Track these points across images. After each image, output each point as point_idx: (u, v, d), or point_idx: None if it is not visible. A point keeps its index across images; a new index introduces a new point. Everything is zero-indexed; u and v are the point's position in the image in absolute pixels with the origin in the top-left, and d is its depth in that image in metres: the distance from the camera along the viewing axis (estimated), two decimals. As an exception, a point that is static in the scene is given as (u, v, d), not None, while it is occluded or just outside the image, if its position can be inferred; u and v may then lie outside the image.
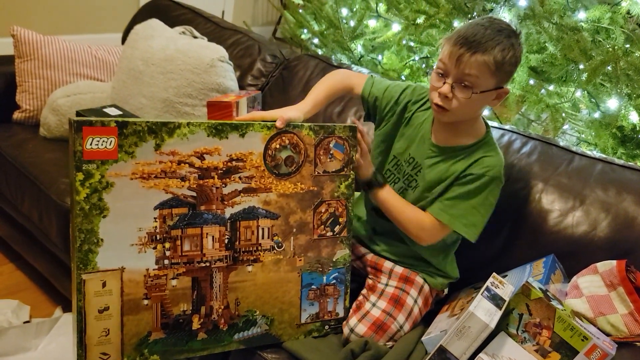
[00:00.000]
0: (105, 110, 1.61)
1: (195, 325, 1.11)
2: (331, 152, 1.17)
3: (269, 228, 1.13)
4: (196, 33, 1.91)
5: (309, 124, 1.15)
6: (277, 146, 1.11)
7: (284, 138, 1.12)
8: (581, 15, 1.90)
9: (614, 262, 1.17)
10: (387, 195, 1.27)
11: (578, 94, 1.92)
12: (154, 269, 1.05)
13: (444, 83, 1.16)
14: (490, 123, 1.62)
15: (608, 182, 1.38)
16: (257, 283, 1.14)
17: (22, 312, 1.76)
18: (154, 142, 1.00)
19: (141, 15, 2.21)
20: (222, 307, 1.12)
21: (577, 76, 1.83)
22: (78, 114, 1.55)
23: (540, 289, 1.12)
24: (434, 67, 1.21)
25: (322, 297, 1.22)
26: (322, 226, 1.19)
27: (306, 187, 1.16)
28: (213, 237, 1.09)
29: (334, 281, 1.23)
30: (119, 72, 1.87)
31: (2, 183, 1.80)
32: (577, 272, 1.25)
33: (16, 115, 1.92)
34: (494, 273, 1.18)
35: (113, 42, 2.30)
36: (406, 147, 1.32)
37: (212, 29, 2.13)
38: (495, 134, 1.55)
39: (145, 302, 1.05)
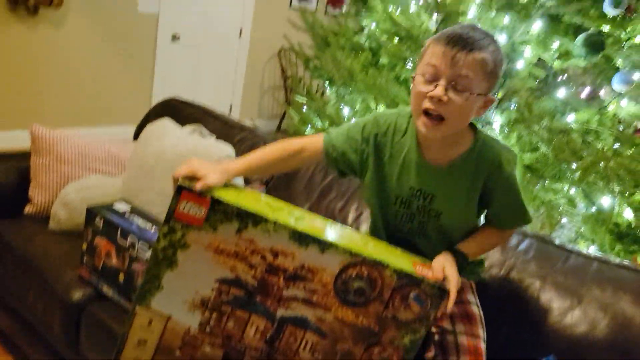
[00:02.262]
0: (115, 205, 1.67)
1: None
2: (409, 301, 1.10)
3: (313, 343, 1.13)
4: (205, 132, 2.01)
5: (397, 267, 1.09)
6: (353, 274, 1.09)
7: (363, 269, 1.08)
8: (570, 117, 2.00)
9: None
10: (473, 251, 1.24)
11: (572, 191, 1.98)
12: (195, 329, 1.12)
13: (436, 86, 1.06)
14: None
15: (604, 281, 1.41)
16: None
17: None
18: (237, 225, 1.07)
19: (154, 113, 2.33)
20: None
21: (570, 175, 1.90)
22: (88, 210, 1.61)
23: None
24: (417, 73, 1.12)
25: None
26: None
27: (367, 323, 1.12)
28: (257, 327, 1.12)
29: None
30: (130, 168, 1.95)
31: (9, 276, 1.83)
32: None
33: (27, 209, 1.98)
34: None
35: (126, 134, 2.40)
36: (404, 182, 1.22)
37: (220, 126, 2.24)
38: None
39: (177, 353, 1.14)
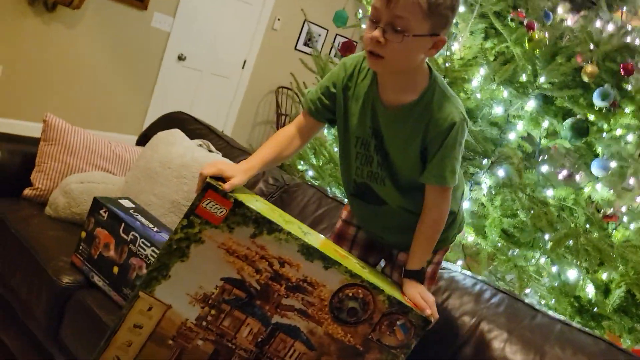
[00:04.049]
0: (120, 201, 1.74)
1: None
2: (394, 328, 1.19)
3: (300, 353, 1.20)
4: (212, 147, 2.11)
5: (390, 294, 1.18)
6: (350, 294, 1.17)
7: (359, 291, 1.17)
8: (549, 192, 2.17)
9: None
10: (422, 256, 1.32)
11: (542, 260, 2.13)
12: (192, 322, 1.18)
13: (376, 28, 1.12)
14: (465, 272, 1.80)
15: (566, 342, 1.52)
16: None
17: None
18: (253, 230, 1.14)
19: (162, 123, 2.42)
20: None
21: (543, 244, 2.05)
22: (95, 199, 1.67)
23: None
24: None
25: None
26: None
27: (354, 342, 1.20)
28: (251, 329, 1.19)
29: None
30: (135, 169, 2.03)
31: (-2, 253, 1.86)
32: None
33: (27, 192, 2.03)
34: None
35: (116, 140, 2.47)
36: (364, 122, 1.28)
37: (224, 145, 2.34)
38: (468, 282, 1.72)
39: (170, 342, 1.18)
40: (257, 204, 1.19)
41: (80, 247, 1.70)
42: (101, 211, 1.67)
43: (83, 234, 1.70)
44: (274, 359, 1.20)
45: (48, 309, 1.65)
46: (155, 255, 1.53)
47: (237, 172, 1.19)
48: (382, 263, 1.55)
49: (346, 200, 1.54)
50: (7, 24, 3.60)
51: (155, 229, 1.65)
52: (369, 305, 1.19)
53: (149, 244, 1.57)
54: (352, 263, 1.25)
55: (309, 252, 1.16)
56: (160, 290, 1.17)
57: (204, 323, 1.19)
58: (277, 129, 5.37)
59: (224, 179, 1.17)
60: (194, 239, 1.15)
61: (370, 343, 1.20)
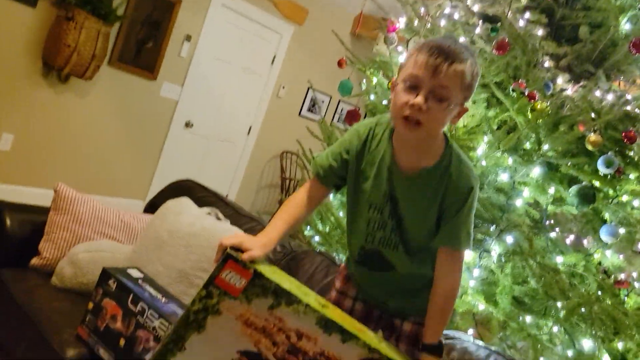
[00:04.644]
0: (128, 271, 1.73)
1: None
2: None
3: None
4: (220, 215, 2.12)
5: None
6: None
7: None
8: (559, 259, 2.15)
9: None
10: (438, 327, 1.28)
11: (555, 329, 2.08)
12: None
13: (417, 95, 1.13)
14: (477, 342, 1.76)
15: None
16: None
17: None
18: (271, 302, 1.13)
19: (170, 191, 2.45)
20: None
21: (556, 313, 2.02)
22: (104, 270, 1.67)
23: None
24: (399, 80, 1.18)
25: None
26: None
27: None
28: None
29: None
30: (143, 238, 2.03)
31: (3, 325, 1.83)
32: None
33: (34, 261, 2.02)
34: None
35: (122, 206, 2.48)
36: (378, 187, 1.28)
37: (231, 213, 2.35)
38: (481, 353, 1.68)
39: None
40: (275, 276, 1.19)
41: (87, 319, 1.68)
42: (110, 282, 1.66)
43: (90, 305, 1.68)
44: None
45: (51, 383, 1.61)
46: (164, 327, 1.51)
47: (256, 246, 1.20)
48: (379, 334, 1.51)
49: (341, 267, 1.54)
50: (21, 94, 3.71)
51: (163, 299, 1.64)
52: None
53: (157, 316, 1.55)
54: (370, 336, 1.23)
55: (327, 324, 1.14)
56: None
57: None
58: (282, 192, 5.41)
59: (242, 250, 1.17)
60: (211, 310, 1.14)
61: None
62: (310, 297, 1.20)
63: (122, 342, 1.60)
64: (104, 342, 1.63)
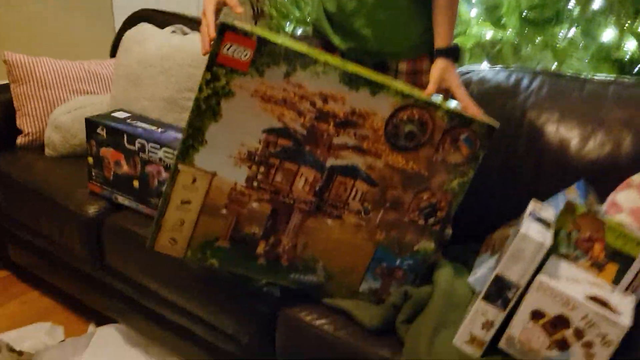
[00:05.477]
0: (114, 114, 1.60)
1: (259, 250, 1.13)
2: (458, 144, 1.09)
3: (363, 192, 1.11)
4: (187, 30, 1.91)
5: (448, 107, 1.07)
6: (404, 117, 1.05)
7: (414, 112, 1.05)
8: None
9: (649, 170, 1.18)
10: (450, 33, 1.24)
11: (572, 32, 1.93)
12: (242, 185, 1.07)
13: None
14: (494, 67, 1.63)
15: (624, 101, 1.39)
16: (330, 237, 1.13)
17: (56, 333, 1.73)
18: (285, 69, 0.99)
19: (128, 24, 2.20)
20: (290, 244, 1.13)
21: (569, 14, 1.85)
22: (88, 120, 1.54)
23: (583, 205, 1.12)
24: None
25: (388, 278, 1.19)
26: (417, 212, 1.14)
27: (417, 168, 1.10)
28: (306, 179, 1.09)
29: (406, 267, 1.19)
30: (117, 80, 1.86)
31: (16, 208, 1.78)
32: (610, 193, 1.25)
33: (19, 140, 1.90)
34: (533, 199, 1.18)
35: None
36: None
37: (198, 28, 2.12)
38: (501, 75, 1.56)
39: (224, 211, 1.09)
40: (281, 39, 1.03)
41: (93, 174, 1.60)
42: (98, 130, 1.54)
43: (90, 160, 1.59)
44: (337, 205, 1.11)
45: (85, 243, 1.59)
46: (170, 155, 1.42)
47: None
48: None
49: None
50: None
51: (159, 129, 1.53)
52: (427, 125, 1.07)
53: (158, 146, 1.45)
54: (398, 84, 1.11)
55: (352, 79, 1.01)
56: (200, 158, 1.05)
57: (255, 183, 1.08)
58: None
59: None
60: (223, 93, 1.00)
61: (434, 166, 1.10)
62: (324, 55, 1.06)
63: (135, 183, 1.53)
64: (119, 190, 1.57)
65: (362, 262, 1.17)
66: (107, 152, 1.54)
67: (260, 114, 1.02)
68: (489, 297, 1.02)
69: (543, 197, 1.39)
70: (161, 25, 2.18)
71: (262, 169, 1.07)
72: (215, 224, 1.10)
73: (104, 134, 1.53)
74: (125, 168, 1.53)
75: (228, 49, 0.97)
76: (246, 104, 1.01)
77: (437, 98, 1.20)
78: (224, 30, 0.96)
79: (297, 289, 1.19)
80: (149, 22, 2.21)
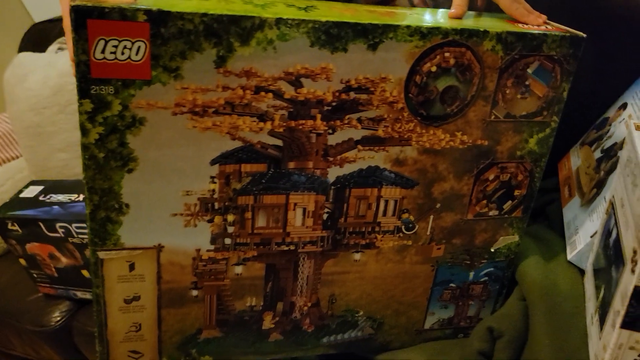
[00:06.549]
0: (21, 195, 1.22)
1: (267, 324, 0.76)
2: (527, 82, 0.69)
3: (396, 201, 0.69)
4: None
5: (497, 28, 0.66)
6: (434, 69, 0.65)
7: (446, 55, 0.65)
8: None
9: None
10: None
11: None
12: (208, 250, 0.70)
13: None
14: None
15: None
16: (365, 276, 0.75)
17: None
18: (215, 52, 0.58)
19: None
20: (310, 304, 0.76)
21: None
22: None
23: None
24: None
25: (463, 299, 0.82)
26: (485, 201, 0.75)
27: (471, 139, 0.71)
28: (305, 209, 0.68)
29: (486, 278, 0.81)
30: (19, 139, 1.47)
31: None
32: None
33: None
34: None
35: None
36: None
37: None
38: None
39: (194, 292, 0.73)
40: (190, 1, 0.59)
41: (35, 275, 1.25)
42: (9, 227, 1.17)
43: (23, 262, 1.23)
44: (363, 229, 0.73)
45: (63, 354, 1.28)
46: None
47: None
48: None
49: None
50: None
51: (80, 197, 1.15)
52: (473, 69, 0.65)
53: (84, 224, 1.08)
54: (405, 11, 0.70)
55: (332, 35, 0.59)
56: (127, 233, 0.65)
57: (228, 241, 0.69)
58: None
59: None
60: (123, 125, 0.58)
61: (497, 126, 0.69)
62: (273, 7, 0.61)
63: (85, 273, 1.18)
64: (72, 284, 1.23)
65: (422, 293, 0.79)
66: (33, 247, 1.18)
67: (198, 139, 0.61)
68: (634, 324, 0.63)
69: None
70: (58, 35, 1.78)
71: (230, 217, 0.66)
72: (189, 314, 0.73)
73: (19, 229, 1.16)
74: (63, 260, 1.17)
75: (103, 50, 0.54)
76: (170, 130, 0.59)
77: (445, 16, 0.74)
78: (81, 16, 0.52)
79: (339, 352, 0.84)
80: (48, 39, 1.80)
